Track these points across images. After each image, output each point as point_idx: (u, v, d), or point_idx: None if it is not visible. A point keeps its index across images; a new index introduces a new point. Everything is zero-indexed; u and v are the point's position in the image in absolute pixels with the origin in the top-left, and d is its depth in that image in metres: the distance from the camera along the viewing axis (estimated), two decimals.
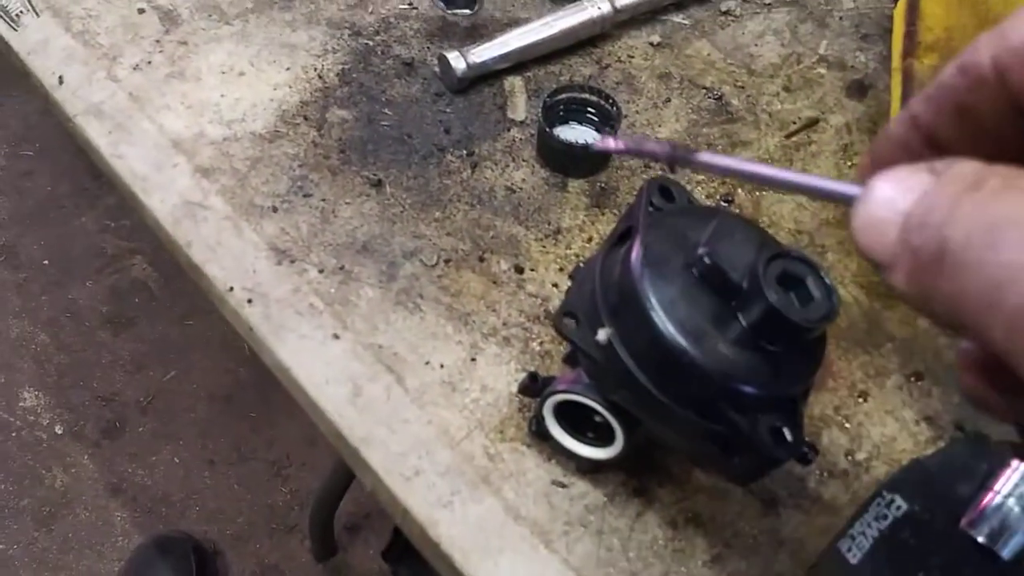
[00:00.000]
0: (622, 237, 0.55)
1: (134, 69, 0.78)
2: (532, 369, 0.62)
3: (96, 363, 1.93)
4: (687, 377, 0.49)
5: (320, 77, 0.78)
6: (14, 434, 1.84)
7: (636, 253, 0.51)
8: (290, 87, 0.77)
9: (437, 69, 0.79)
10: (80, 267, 2.07)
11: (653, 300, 0.50)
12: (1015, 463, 0.55)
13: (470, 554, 0.55)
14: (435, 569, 0.59)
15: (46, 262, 2.08)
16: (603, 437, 0.57)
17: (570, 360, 0.59)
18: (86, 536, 1.73)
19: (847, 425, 0.62)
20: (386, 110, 0.76)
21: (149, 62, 0.78)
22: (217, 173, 0.71)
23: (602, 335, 0.51)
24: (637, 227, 0.54)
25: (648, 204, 0.56)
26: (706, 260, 0.51)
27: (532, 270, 0.68)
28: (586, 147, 0.72)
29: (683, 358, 0.49)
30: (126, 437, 1.85)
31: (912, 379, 0.64)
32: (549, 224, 0.71)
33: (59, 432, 1.85)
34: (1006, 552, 0.52)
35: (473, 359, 0.63)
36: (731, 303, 0.50)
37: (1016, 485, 0.54)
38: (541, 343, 0.64)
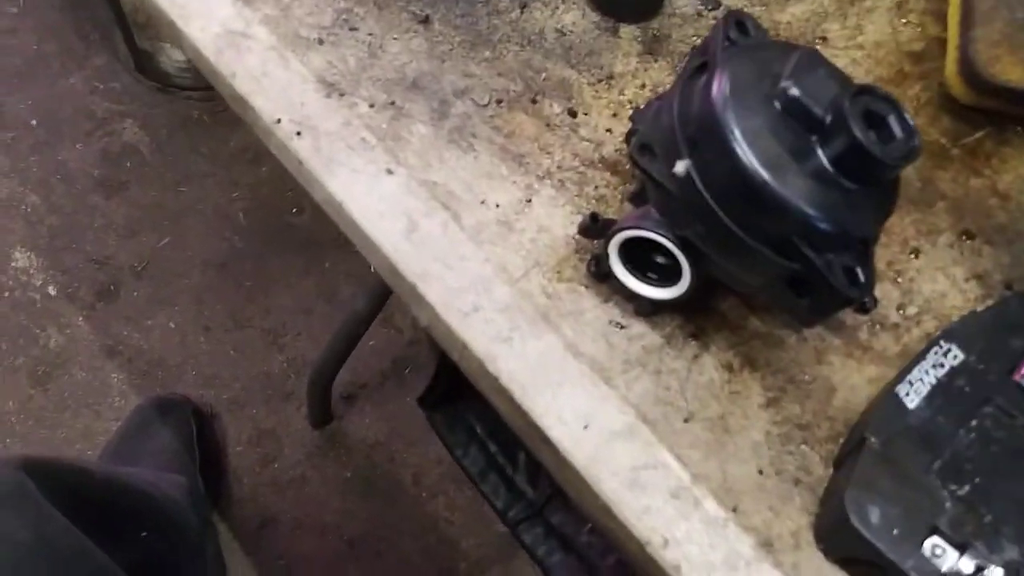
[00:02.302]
0: (698, 70, 0.54)
1: None
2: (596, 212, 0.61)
3: (88, 226, 1.90)
4: (765, 210, 0.49)
5: None
6: (7, 294, 1.82)
7: (718, 84, 0.50)
8: None
9: None
10: (69, 129, 2.02)
11: (736, 131, 0.49)
12: None
13: (528, 388, 0.55)
14: (491, 403, 0.59)
15: (34, 122, 2.02)
16: (664, 278, 0.56)
17: (636, 199, 0.58)
18: (82, 395, 1.73)
19: (899, 280, 0.62)
20: None
21: None
22: (258, 2, 0.68)
23: (680, 167, 0.50)
24: (715, 60, 0.52)
25: (725, 38, 0.54)
26: (791, 92, 0.50)
27: (585, 114, 0.67)
28: None
29: (763, 189, 0.48)
30: (121, 301, 1.83)
31: (963, 238, 0.64)
32: (601, 69, 0.69)
33: (52, 293, 1.83)
34: None
35: (529, 200, 0.62)
36: (812, 137, 0.50)
37: None
38: (596, 187, 0.64)
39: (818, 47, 0.72)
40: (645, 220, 0.54)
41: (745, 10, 0.73)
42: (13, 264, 1.85)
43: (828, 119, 0.49)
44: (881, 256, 0.63)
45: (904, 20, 0.75)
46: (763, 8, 0.74)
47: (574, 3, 0.72)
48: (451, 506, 1.63)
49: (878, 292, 0.61)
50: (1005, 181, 0.67)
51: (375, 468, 1.72)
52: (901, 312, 0.61)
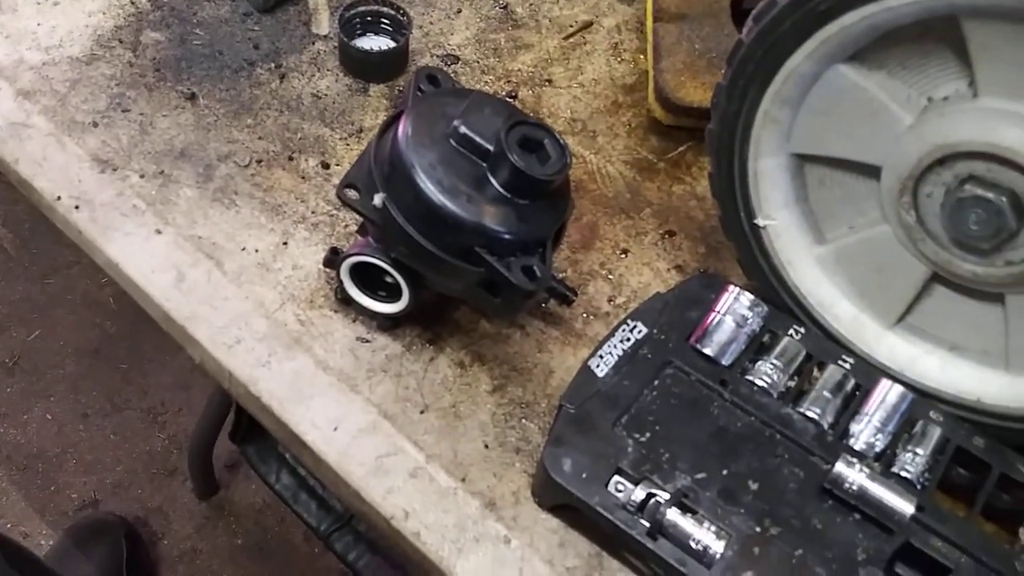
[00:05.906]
0: (395, 118, 0.64)
1: None
2: (337, 246, 0.71)
3: None
4: (448, 228, 0.59)
5: (132, 3, 0.84)
6: None
7: (403, 127, 0.61)
8: (104, 13, 0.83)
9: None
10: None
11: (416, 164, 0.59)
12: (731, 288, 0.67)
13: (286, 403, 0.64)
14: (265, 427, 0.67)
15: None
16: (394, 294, 0.66)
17: (361, 230, 0.68)
18: None
19: (610, 277, 0.73)
20: (198, 31, 0.83)
21: None
22: (38, 95, 0.77)
23: (377, 199, 0.60)
24: (405, 108, 0.63)
25: (417, 89, 0.65)
26: (460, 130, 0.60)
27: (338, 165, 0.77)
28: (381, 54, 0.81)
29: (442, 211, 0.59)
30: None
31: (666, 236, 0.76)
32: (352, 124, 0.79)
33: None
34: (725, 359, 0.65)
35: (285, 243, 0.72)
36: (484, 165, 0.60)
37: (731, 305, 0.67)
38: (346, 226, 0.73)
39: (545, 88, 0.84)
40: (366, 247, 0.64)
41: (480, 62, 0.85)
42: None
43: (493, 149, 0.60)
44: (596, 258, 0.74)
45: (619, 59, 0.87)
46: (497, 59, 0.86)
47: (329, 70, 0.83)
48: None
49: (592, 288, 0.72)
50: (703, 186, 0.79)
51: (266, 531, 1.75)
52: (611, 302, 0.72)
